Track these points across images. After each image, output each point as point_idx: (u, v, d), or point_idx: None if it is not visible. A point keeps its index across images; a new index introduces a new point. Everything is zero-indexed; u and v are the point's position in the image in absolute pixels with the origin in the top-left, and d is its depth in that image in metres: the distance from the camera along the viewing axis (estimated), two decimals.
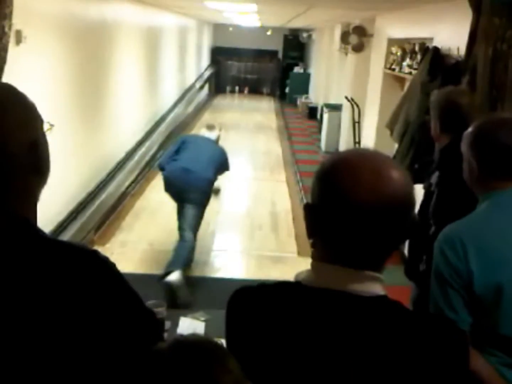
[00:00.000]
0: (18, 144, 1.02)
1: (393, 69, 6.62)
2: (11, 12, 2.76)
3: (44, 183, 1.11)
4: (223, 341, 1.08)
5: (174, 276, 4.24)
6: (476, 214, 1.71)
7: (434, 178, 2.46)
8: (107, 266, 1.08)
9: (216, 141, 5.00)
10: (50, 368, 0.98)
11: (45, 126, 1.12)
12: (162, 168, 4.78)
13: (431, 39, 5.20)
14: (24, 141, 1.03)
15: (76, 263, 1.03)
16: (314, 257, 1.09)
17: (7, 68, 2.83)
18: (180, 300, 4.14)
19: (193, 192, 4.54)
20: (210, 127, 5.15)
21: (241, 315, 1.11)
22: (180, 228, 4.63)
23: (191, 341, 0.94)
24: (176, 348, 0.91)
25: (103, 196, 5.73)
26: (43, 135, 1.10)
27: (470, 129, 1.77)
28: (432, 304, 1.65)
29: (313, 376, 1.00)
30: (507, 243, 1.60)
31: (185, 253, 4.50)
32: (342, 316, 1.01)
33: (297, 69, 18.60)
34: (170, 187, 4.69)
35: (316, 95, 15.41)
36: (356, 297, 1.01)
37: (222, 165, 4.83)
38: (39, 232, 1.06)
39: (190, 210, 4.61)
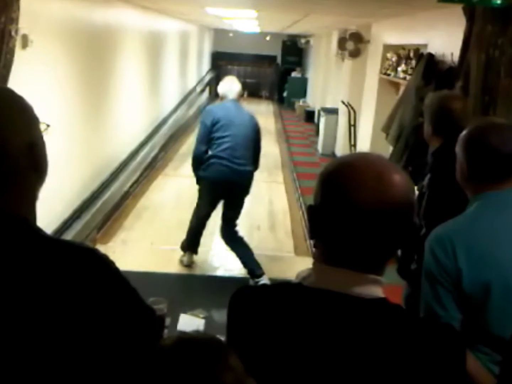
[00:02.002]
0: (17, 145, 1.02)
1: (389, 74, 6.63)
2: (17, 17, 2.77)
3: (43, 182, 1.11)
4: (222, 338, 1.07)
5: (265, 280, 4.33)
6: (465, 214, 1.72)
7: (426, 180, 2.46)
8: (106, 263, 1.08)
9: (241, 94, 4.44)
10: (49, 365, 0.97)
11: (42, 127, 1.12)
12: (199, 161, 4.31)
13: (425, 45, 5.21)
14: (23, 142, 1.03)
15: (75, 261, 1.03)
16: (316, 258, 1.08)
17: (13, 71, 2.83)
18: None
19: (238, 188, 4.39)
20: (232, 79, 4.49)
21: (243, 314, 1.10)
22: (230, 240, 4.54)
23: (194, 338, 0.93)
24: (179, 345, 0.90)
25: (106, 195, 5.72)
26: (40, 136, 1.10)
27: (463, 132, 1.78)
28: (422, 301, 1.65)
29: (313, 377, 0.99)
30: (495, 243, 1.61)
31: (251, 257, 4.52)
32: (343, 318, 1.00)
33: (295, 74, 18.60)
34: (215, 190, 4.41)
35: (314, 99, 15.41)
36: (357, 300, 1.00)
37: (257, 143, 4.42)
38: (39, 231, 1.06)
39: (232, 212, 4.51)
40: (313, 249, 1.10)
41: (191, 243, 4.81)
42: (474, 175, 1.73)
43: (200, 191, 4.55)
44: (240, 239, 4.58)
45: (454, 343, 1.03)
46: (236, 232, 4.58)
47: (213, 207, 4.57)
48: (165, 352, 0.89)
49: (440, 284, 1.60)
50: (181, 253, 4.92)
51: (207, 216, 4.60)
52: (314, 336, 1.01)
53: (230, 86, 4.41)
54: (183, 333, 0.94)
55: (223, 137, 4.24)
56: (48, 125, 1.13)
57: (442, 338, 1.02)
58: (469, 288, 1.58)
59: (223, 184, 4.34)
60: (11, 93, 1.09)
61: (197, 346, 0.90)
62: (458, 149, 1.78)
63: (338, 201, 1.00)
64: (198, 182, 4.53)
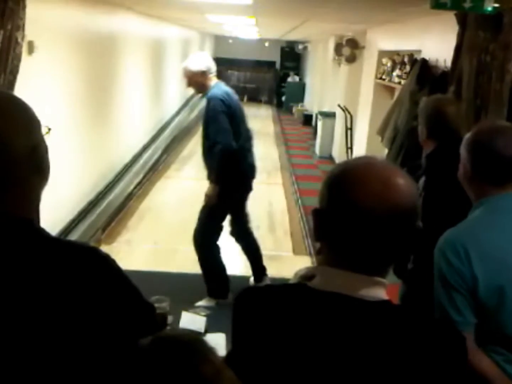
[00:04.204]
0: (21, 148, 1.02)
1: (384, 79, 6.63)
2: (24, 24, 2.76)
3: (45, 184, 1.10)
4: (222, 335, 1.07)
5: (267, 281, 4.25)
6: (474, 219, 1.68)
7: (421, 182, 2.46)
8: (107, 262, 1.08)
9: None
10: (50, 363, 0.97)
11: (43, 130, 1.12)
12: (231, 153, 3.68)
13: (419, 51, 5.20)
14: (26, 145, 1.03)
15: (77, 260, 1.03)
16: (321, 262, 1.07)
17: (19, 77, 2.82)
18: None
19: (252, 180, 4.17)
20: (204, 53, 4.12)
21: (248, 315, 1.08)
22: (243, 234, 4.36)
23: (171, 335, 0.93)
24: (157, 343, 0.89)
25: (110, 197, 5.72)
26: (42, 139, 1.10)
27: (468, 134, 1.75)
28: (437, 306, 1.61)
29: (321, 378, 0.98)
30: (505, 246, 1.57)
31: (259, 260, 4.37)
32: (349, 320, 0.99)
33: (290, 78, 18.59)
34: (244, 188, 4.09)
35: (311, 103, 15.42)
36: (363, 302, 0.99)
37: None
38: (42, 231, 1.06)
39: (246, 207, 4.30)
40: (314, 252, 1.09)
41: (222, 279, 4.17)
42: (477, 176, 1.70)
43: (224, 193, 3.80)
44: (252, 234, 4.45)
45: (455, 343, 1.02)
46: (250, 228, 4.43)
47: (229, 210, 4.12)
48: (144, 350, 0.89)
49: (455, 289, 1.56)
50: (182, 253, 4.88)
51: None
52: (321, 338, 0.99)
53: (210, 60, 3.94)
54: (161, 332, 0.94)
55: (236, 131, 3.80)
56: (49, 128, 1.12)
57: (444, 339, 1.01)
58: (484, 294, 1.54)
59: (250, 180, 4.10)
60: (13, 97, 1.09)
61: (174, 342, 0.90)
62: (463, 150, 1.74)
63: (345, 207, 0.99)
64: (220, 182, 3.75)
